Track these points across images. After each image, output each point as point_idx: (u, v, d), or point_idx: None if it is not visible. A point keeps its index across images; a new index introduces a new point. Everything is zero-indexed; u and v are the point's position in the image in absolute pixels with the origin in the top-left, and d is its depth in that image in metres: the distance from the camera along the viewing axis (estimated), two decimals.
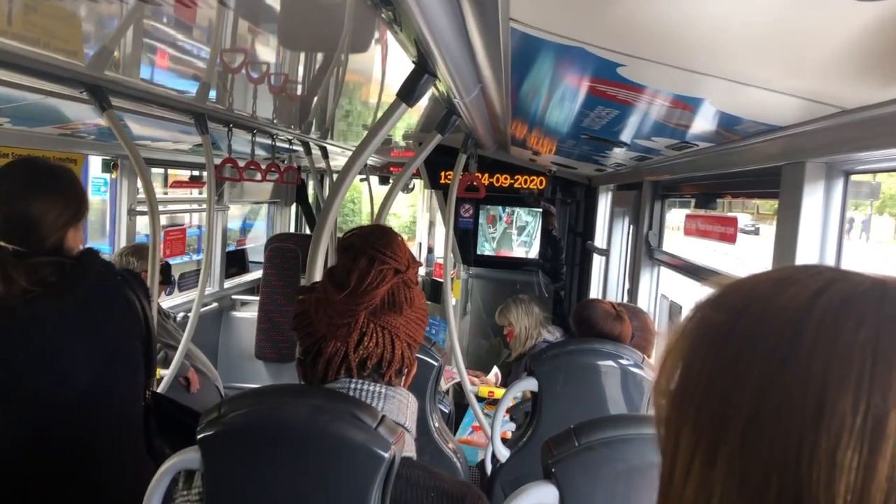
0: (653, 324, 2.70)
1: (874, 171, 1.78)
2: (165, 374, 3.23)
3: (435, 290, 6.52)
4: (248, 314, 6.03)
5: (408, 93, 1.91)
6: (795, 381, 0.43)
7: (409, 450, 1.22)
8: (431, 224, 8.16)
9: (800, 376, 0.43)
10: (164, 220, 5.33)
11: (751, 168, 2.16)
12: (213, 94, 3.12)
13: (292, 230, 7.52)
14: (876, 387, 0.41)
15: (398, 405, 1.24)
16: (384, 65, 2.69)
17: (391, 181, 5.60)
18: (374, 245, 1.25)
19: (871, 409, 0.41)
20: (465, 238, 5.86)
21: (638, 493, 1.29)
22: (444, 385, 4.30)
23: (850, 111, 1.39)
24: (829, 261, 1.80)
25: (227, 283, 6.29)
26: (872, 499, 0.40)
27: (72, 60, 2.26)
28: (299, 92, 3.36)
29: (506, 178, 5.52)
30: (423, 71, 1.86)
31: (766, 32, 1.10)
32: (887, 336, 0.42)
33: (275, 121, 4.05)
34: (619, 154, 3.24)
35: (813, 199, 1.79)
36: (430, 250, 8.08)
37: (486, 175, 5.37)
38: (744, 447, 0.44)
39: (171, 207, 5.69)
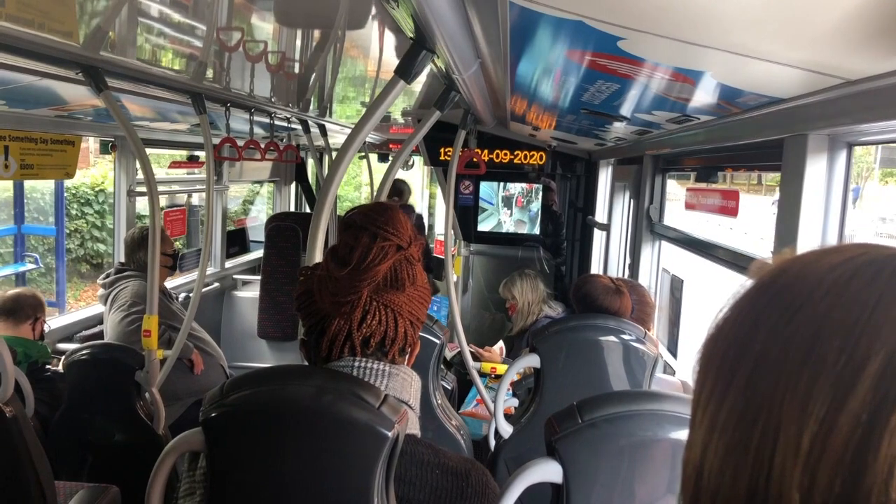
0: (651, 297, 2.70)
1: (877, 143, 1.77)
2: (169, 354, 3.23)
3: (436, 268, 6.53)
4: (250, 293, 6.04)
5: (406, 69, 1.89)
6: (799, 328, 0.46)
7: (414, 427, 1.23)
8: (432, 196, 8.16)
9: (803, 323, 0.46)
10: (163, 200, 5.33)
11: (753, 141, 2.14)
12: (209, 73, 3.10)
13: (292, 209, 7.51)
14: (864, 335, 0.43)
15: (402, 383, 1.24)
16: (382, 41, 2.67)
17: (391, 158, 5.57)
18: (375, 222, 1.24)
19: (855, 353, 0.43)
20: (465, 215, 5.85)
21: (642, 468, 1.30)
22: (449, 354, 4.31)
23: (853, 82, 1.38)
24: (832, 233, 1.80)
25: (229, 263, 6.30)
26: (839, 432, 0.42)
27: (66, 41, 2.24)
28: (297, 70, 3.33)
29: (505, 154, 5.49)
30: (420, 47, 1.84)
31: (767, 3, 1.08)
32: (890, 293, 0.45)
33: (273, 99, 4.02)
34: (619, 128, 3.22)
35: (815, 171, 1.78)
36: (430, 227, 8.09)
37: (486, 151, 5.34)
38: (747, 387, 0.47)
39: (169, 188, 5.68)
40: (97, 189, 9.54)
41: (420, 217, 7.19)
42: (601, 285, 2.44)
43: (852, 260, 0.48)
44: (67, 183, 8.39)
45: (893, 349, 0.42)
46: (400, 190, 7.04)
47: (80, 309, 4.65)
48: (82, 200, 9.43)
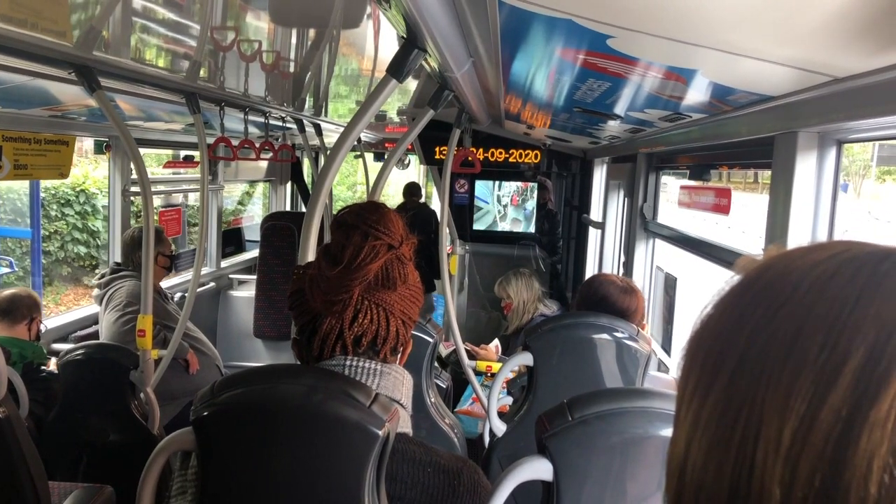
0: (642, 293, 2.71)
1: (866, 140, 1.77)
2: (164, 354, 3.22)
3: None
4: (246, 293, 6.04)
5: (397, 68, 1.89)
6: (782, 324, 0.46)
7: (405, 426, 1.23)
8: (428, 196, 8.17)
9: (786, 319, 0.46)
10: (158, 200, 5.32)
11: (744, 139, 2.15)
12: (203, 72, 3.09)
13: (288, 208, 7.51)
14: (846, 331, 0.43)
15: (393, 382, 1.24)
16: (376, 40, 2.67)
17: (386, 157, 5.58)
18: (367, 221, 1.24)
19: (836, 348, 0.43)
20: (460, 213, 5.85)
21: (633, 465, 1.30)
22: (445, 352, 4.31)
23: (842, 80, 1.38)
24: (822, 230, 1.80)
25: (224, 263, 6.29)
26: (820, 427, 0.42)
27: (59, 41, 2.23)
28: (291, 69, 3.33)
29: (500, 153, 5.50)
30: (412, 46, 1.84)
31: (756, 1, 1.09)
32: (870, 290, 0.45)
33: (267, 98, 4.02)
34: (613, 126, 3.22)
35: (805, 169, 1.78)
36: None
37: (481, 150, 5.34)
38: (730, 383, 0.47)
39: (165, 188, 5.67)
40: (78, 189, 9.27)
41: (434, 214, 7.21)
42: (616, 286, 2.42)
43: (836, 256, 0.48)
44: (46, 183, 8.20)
45: (873, 345, 0.42)
46: (413, 191, 7.10)
47: (62, 314, 4.63)
48: (62, 201, 9.17)
